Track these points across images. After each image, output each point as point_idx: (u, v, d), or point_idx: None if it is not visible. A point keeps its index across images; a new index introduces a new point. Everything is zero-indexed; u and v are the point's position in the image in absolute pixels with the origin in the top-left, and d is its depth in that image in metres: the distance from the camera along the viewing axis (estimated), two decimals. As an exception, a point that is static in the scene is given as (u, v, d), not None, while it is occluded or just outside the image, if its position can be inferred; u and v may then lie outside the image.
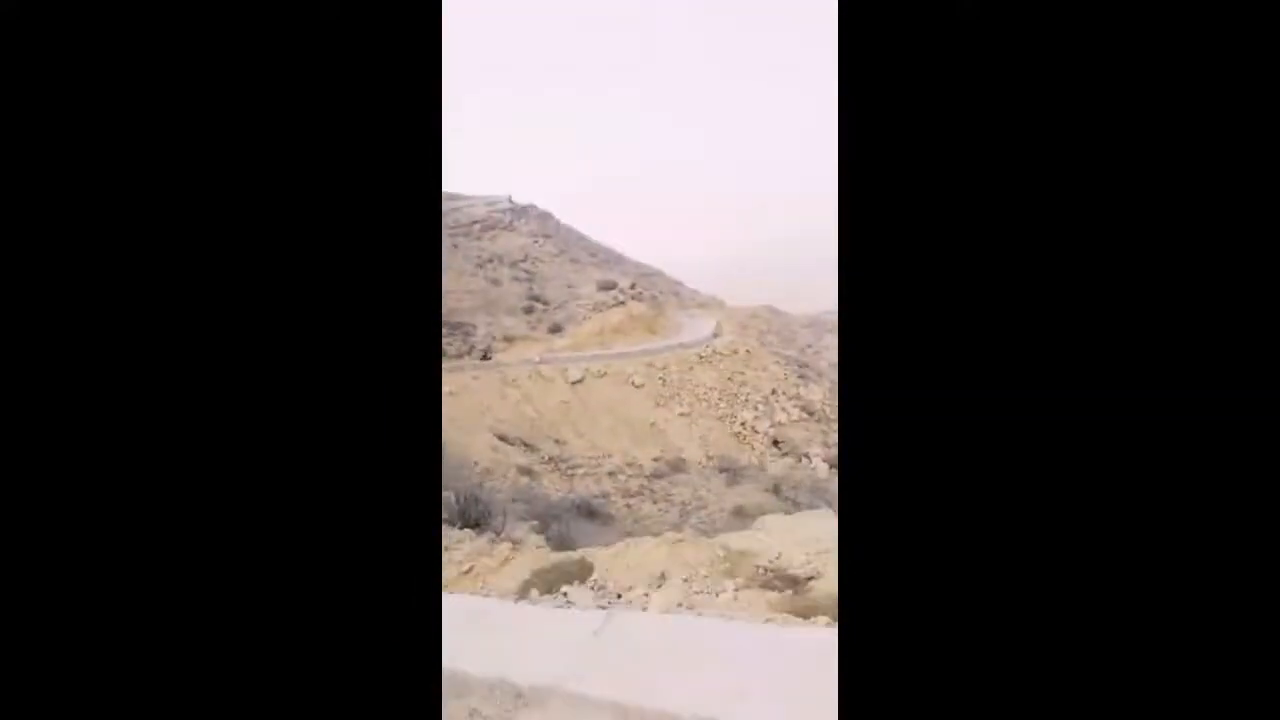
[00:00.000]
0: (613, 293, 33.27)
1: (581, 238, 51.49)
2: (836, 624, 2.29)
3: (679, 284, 47.63)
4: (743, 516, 15.85)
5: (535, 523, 9.52)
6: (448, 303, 28.56)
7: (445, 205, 50.43)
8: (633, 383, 23.82)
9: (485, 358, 24.35)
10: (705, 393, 24.29)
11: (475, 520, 8.86)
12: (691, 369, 25.31)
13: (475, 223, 44.77)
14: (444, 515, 8.76)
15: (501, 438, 18.22)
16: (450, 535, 7.56)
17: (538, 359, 24.11)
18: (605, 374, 23.93)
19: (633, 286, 35.14)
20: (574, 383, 23.21)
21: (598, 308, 30.50)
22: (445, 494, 9.32)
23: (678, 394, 23.91)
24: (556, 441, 19.66)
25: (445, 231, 41.99)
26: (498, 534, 8.09)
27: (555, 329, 28.38)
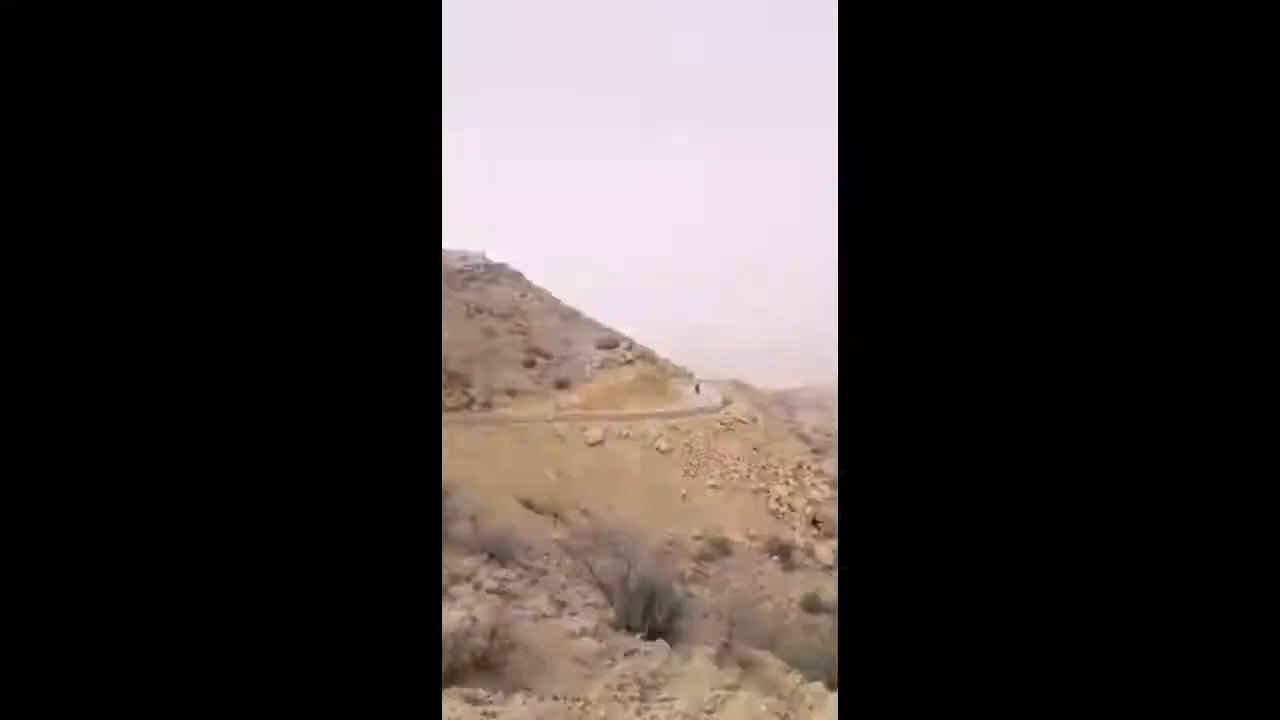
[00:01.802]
0: (617, 351, 32.25)
1: (553, 298, 49.40)
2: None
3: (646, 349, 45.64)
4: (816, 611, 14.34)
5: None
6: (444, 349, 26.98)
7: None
8: (658, 448, 21.55)
9: (486, 407, 22.98)
10: (733, 463, 22.17)
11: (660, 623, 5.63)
12: (716, 435, 23.28)
13: (459, 272, 43.65)
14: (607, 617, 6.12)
15: (528, 504, 16.24)
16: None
17: (551, 417, 22.33)
18: (627, 435, 21.76)
19: (629, 347, 34.13)
20: (592, 444, 20.96)
21: (606, 365, 29.37)
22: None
23: (705, 463, 21.69)
24: (584, 512, 17.98)
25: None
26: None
27: (562, 385, 26.91)
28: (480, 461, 17.24)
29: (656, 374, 29.37)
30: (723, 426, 24.24)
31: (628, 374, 27.19)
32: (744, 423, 25.05)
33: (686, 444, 22.38)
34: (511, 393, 24.85)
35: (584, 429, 21.70)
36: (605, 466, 20.52)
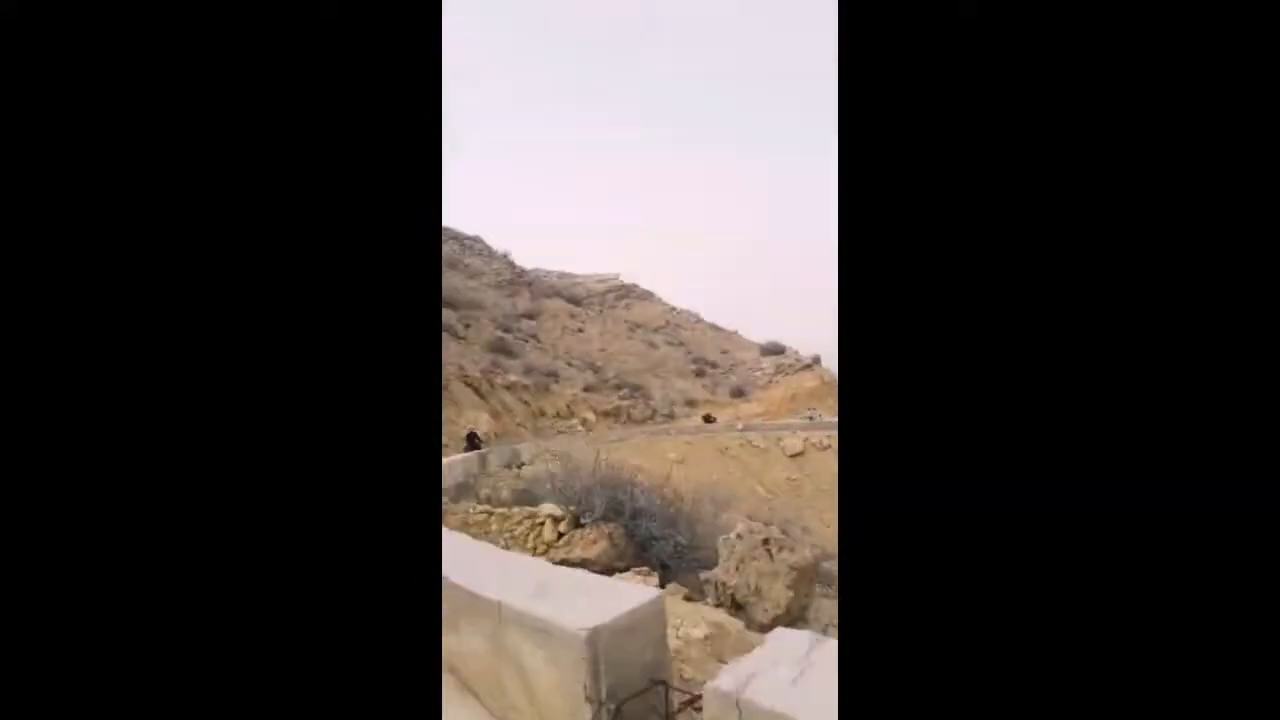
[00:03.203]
0: (786, 356, 30.36)
1: (693, 312, 48.86)
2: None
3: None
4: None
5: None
6: (615, 363, 26.64)
7: (563, 281, 49.95)
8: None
9: (669, 418, 21.87)
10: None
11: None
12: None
13: (609, 292, 43.73)
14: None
15: (750, 517, 15.03)
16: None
17: (741, 425, 21.10)
18: (829, 447, 19.91)
19: (798, 354, 32.21)
20: (793, 455, 19.58)
21: (781, 371, 27.56)
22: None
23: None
24: (804, 529, 16.36)
25: (579, 303, 40.65)
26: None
27: (738, 393, 25.47)
28: (690, 471, 15.92)
29: (833, 380, 27.19)
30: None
31: (809, 379, 25.19)
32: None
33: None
34: (690, 403, 23.53)
35: (780, 439, 19.88)
36: (810, 479, 18.60)
